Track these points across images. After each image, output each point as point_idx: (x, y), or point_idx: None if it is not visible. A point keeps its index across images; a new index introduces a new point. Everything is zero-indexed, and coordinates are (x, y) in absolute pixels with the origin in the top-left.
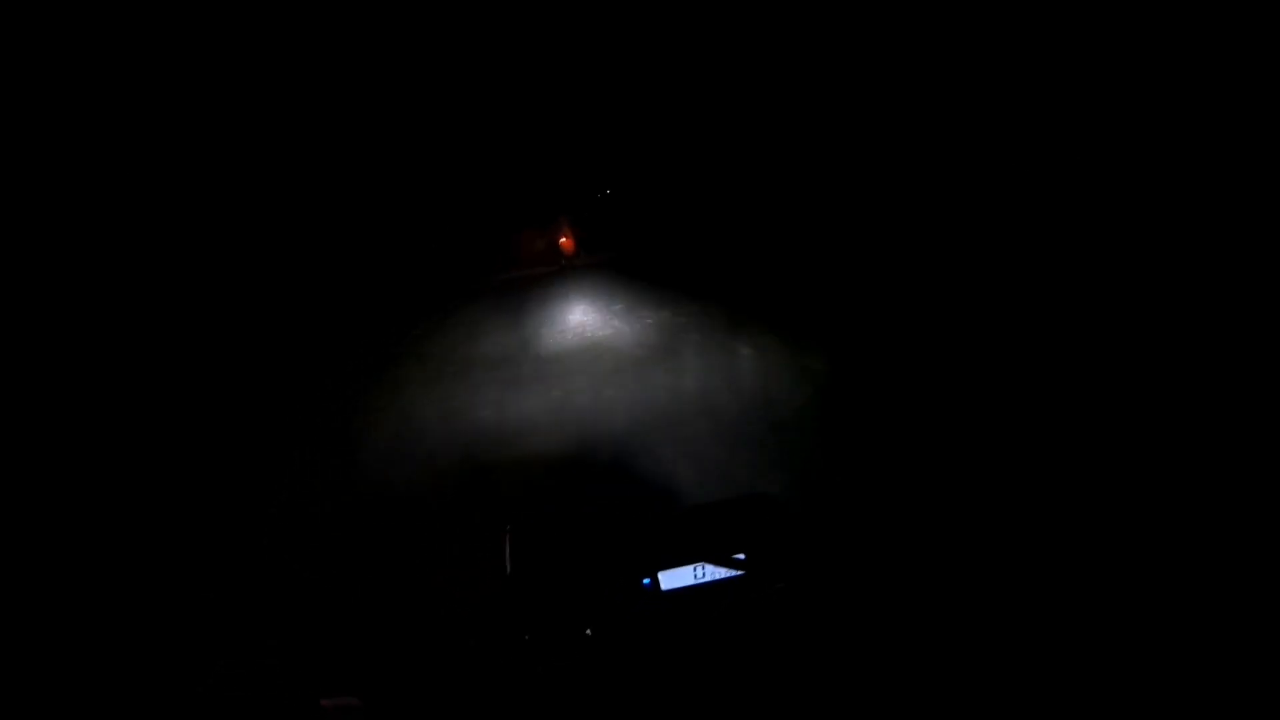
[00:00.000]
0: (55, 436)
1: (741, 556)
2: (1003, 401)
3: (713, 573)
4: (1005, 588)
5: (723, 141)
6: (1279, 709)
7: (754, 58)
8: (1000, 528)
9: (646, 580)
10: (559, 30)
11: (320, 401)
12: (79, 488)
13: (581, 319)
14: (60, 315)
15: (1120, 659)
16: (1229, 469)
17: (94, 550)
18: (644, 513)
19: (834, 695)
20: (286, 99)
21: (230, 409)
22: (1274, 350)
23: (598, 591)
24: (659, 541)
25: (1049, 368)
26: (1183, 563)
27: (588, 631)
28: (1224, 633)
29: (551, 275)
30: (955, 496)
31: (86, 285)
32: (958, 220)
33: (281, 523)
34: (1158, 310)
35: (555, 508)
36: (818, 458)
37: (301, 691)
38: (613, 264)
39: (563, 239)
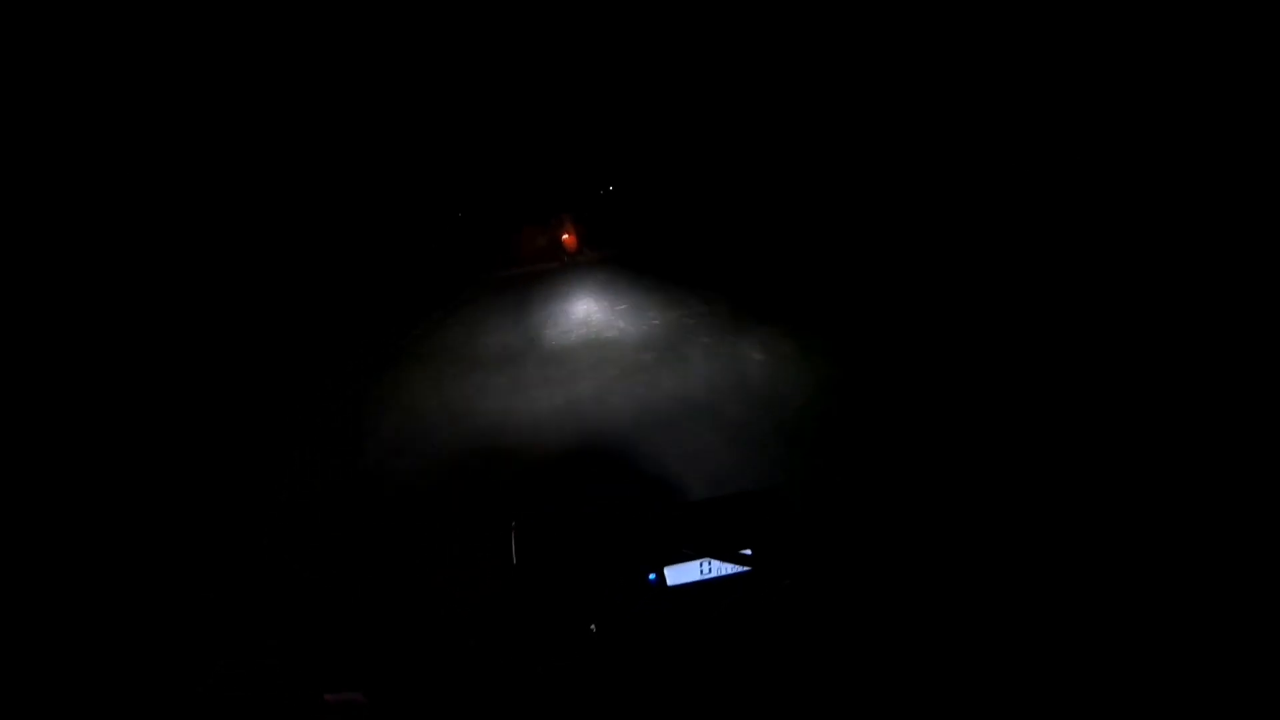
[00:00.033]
0: (55, 436)
1: (748, 552)
2: (1011, 401)
3: (719, 568)
4: (1014, 587)
5: (728, 137)
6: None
7: (760, 51)
8: (1008, 527)
9: (652, 576)
10: (559, 23)
11: (320, 401)
12: (79, 487)
13: (586, 316)
14: (59, 314)
15: (1123, 658)
16: (1232, 469)
17: (94, 550)
18: (650, 508)
19: (840, 692)
20: (284, 95)
21: (230, 408)
22: (1274, 350)
23: (603, 587)
24: (665, 537)
25: (1057, 367)
26: (1187, 562)
27: (592, 627)
28: (1224, 633)
29: (554, 272)
30: (963, 495)
31: (86, 284)
32: (968, 217)
33: (281, 523)
34: (1164, 310)
35: (560, 503)
36: (825, 456)
37: (305, 687)
38: (616, 260)
39: (565, 235)
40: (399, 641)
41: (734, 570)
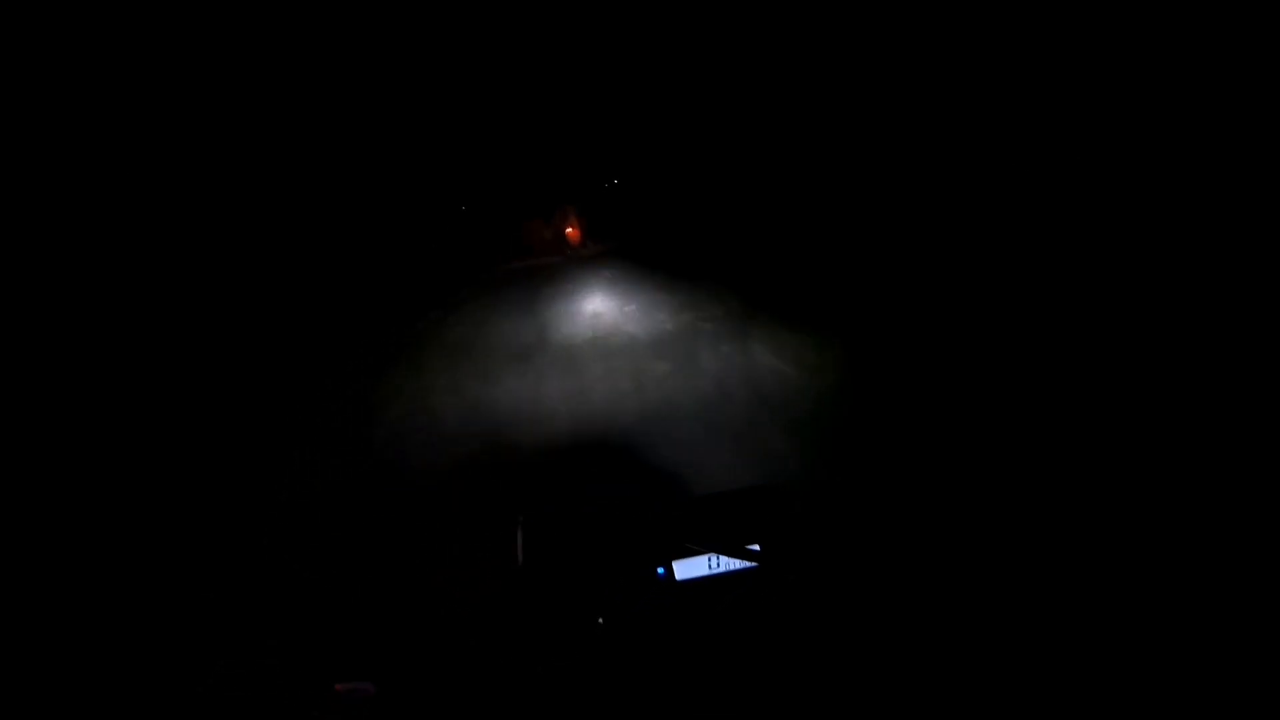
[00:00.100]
0: (54, 435)
1: (757, 547)
2: (1018, 400)
3: (727, 563)
4: (1019, 585)
5: (733, 128)
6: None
7: (764, 44)
8: (1014, 525)
9: (660, 570)
10: (562, 15)
11: (320, 400)
12: (79, 487)
13: (593, 319)
14: (60, 315)
15: (1123, 657)
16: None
17: (94, 550)
18: (657, 502)
19: (846, 687)
20: (283, 93)
21: (230, 408)
22: (1275, 350)
23: (611, 581)
24: (673, 531)
25: (1063, 367)
26: (1193, 562)
27: (600, 621)
28: (1224, 633)
29: (557, 266)
30: (969, 493)
31: (86, 284)
32: (979, 214)
33: (281, 523)
34: (1168, 309)
35: (568, 498)
36: (833, 452)
37: (315, 677)
38: (620, 253)
39: (569, 228)
40: (406, 634)
41: (742, 565)
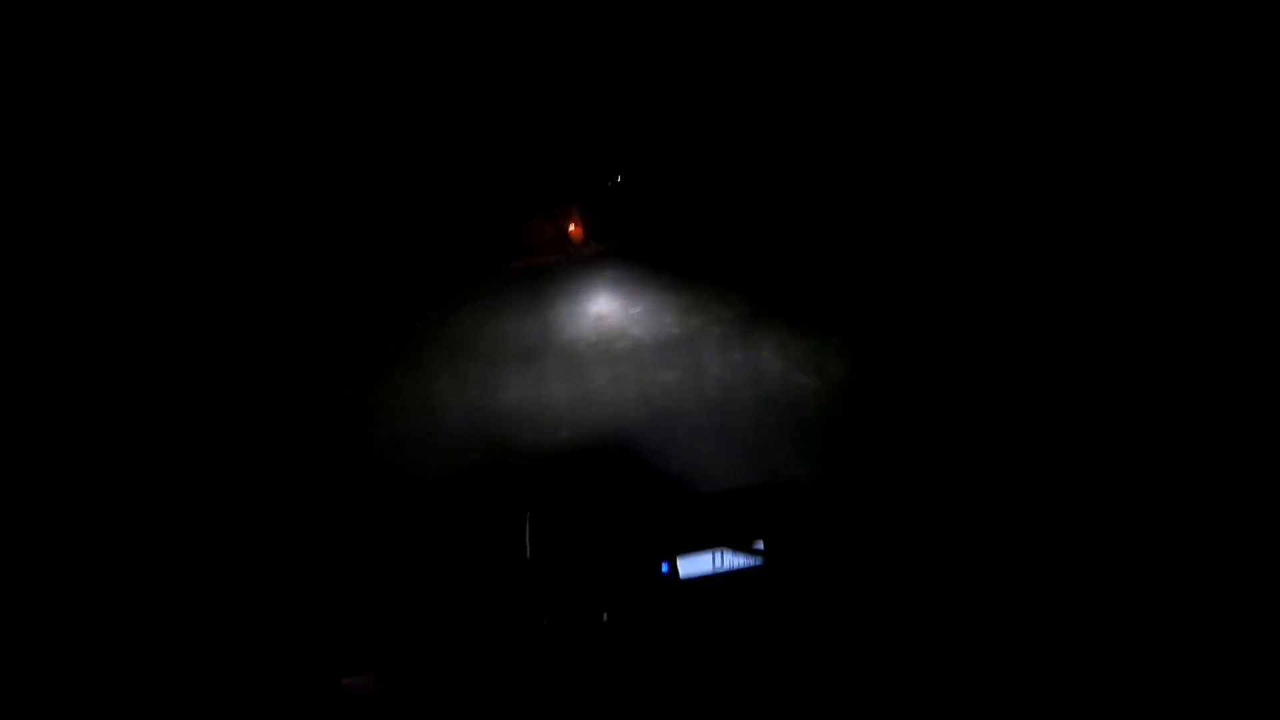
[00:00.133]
0: (56, 436)
1: (760, 545)
2: (1025, 400)
3: (731, 561)
4: (1020, 587)
5: (737, 127)
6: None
7: (766, 41)
8: (1017, 527)
9: (665, 567)
10: (566, 12)
11: (320, 400)
12: (80, 488)
13: (594, 309)
14: (60, 315)
15: (1130, 658)
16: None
17: (95, 550)
18: (663, 500)
19: (847, 686)
20: (282, 92)
21: (231, 409)
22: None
23: (616, 578)
24: (678, 528)
25: (1069, 367)
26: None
27: (605, 617)
28: (1224, 633)
29: (559, 263)
30: (973, 495)
31: (86, 285)
32: (986, 212)
33: (281, 523)
34: (1170, 308)
35: (574, 495)
36: (838, 453)
37: (318, 672)
38: (623, 252)
39: (571, 226)
40: (408, 631)
41: (746, 563)
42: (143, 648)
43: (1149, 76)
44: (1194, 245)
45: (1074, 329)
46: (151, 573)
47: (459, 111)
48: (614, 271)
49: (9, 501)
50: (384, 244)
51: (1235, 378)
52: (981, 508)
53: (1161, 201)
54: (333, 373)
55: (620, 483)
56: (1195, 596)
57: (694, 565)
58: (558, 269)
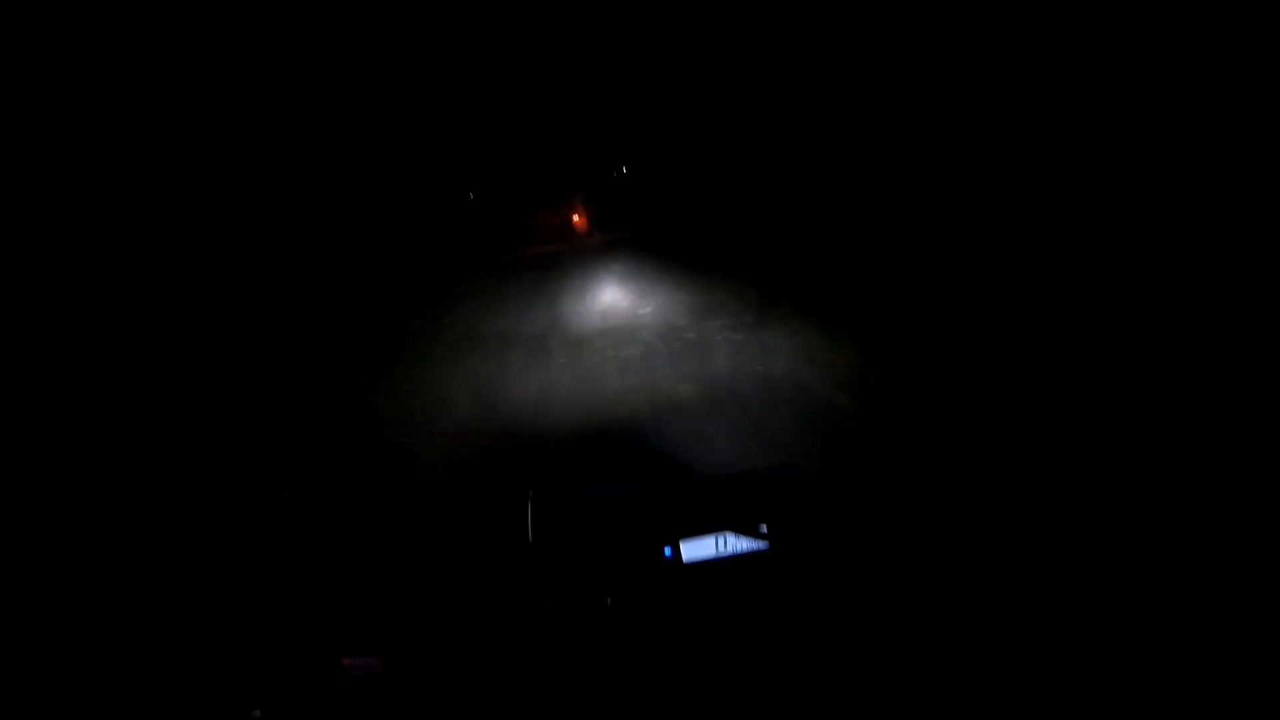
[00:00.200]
0: (57, 436)
1: (764, 529)
2: (1036, 393)
3: (735, 545)
4: (1025, 587)
5: (744, 118)
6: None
7: (769, 35)
8: (1024, 526)
9: (668, 550)
10: (572, 4)
11: (320, 400)
12: (80, 487)
13: (600, 309)
14: (60, 315)
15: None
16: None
17: (95, 550)
18: (667, 482)
19: (846, 677)
20: (283, 90)
21: (231, 408)
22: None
23: (619, 561)
24: (681, 511)
25: (1081, 361)
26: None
27: (608, 602)
28: (1225, 633)
29: (563, 255)
30: (980, 493)
31: (86, 285)
32: (997, 204)
33: (281, 523)
34: (1182, 307)
35: (577, 478)
36: (845, 442)
37: (325, 652)
38: (629, 243)
39: (576, 217)
40: (408, 625)
41: (750, 547)
42: (143, 648)
43: (1166, 66)
44: (1211, 236)
45: (1086, 323)
46: (151, 573)
47: (464, 103)
48: (621, 266)
49: (10, 501)
50: (386, 238)
51: (1246, 376)
52: (989, 500)
53: (1176, 192)
54: (333, 372)
55: (624, 469)
56: (1199, 595)
57: (697, 549)
58: (563, 261)
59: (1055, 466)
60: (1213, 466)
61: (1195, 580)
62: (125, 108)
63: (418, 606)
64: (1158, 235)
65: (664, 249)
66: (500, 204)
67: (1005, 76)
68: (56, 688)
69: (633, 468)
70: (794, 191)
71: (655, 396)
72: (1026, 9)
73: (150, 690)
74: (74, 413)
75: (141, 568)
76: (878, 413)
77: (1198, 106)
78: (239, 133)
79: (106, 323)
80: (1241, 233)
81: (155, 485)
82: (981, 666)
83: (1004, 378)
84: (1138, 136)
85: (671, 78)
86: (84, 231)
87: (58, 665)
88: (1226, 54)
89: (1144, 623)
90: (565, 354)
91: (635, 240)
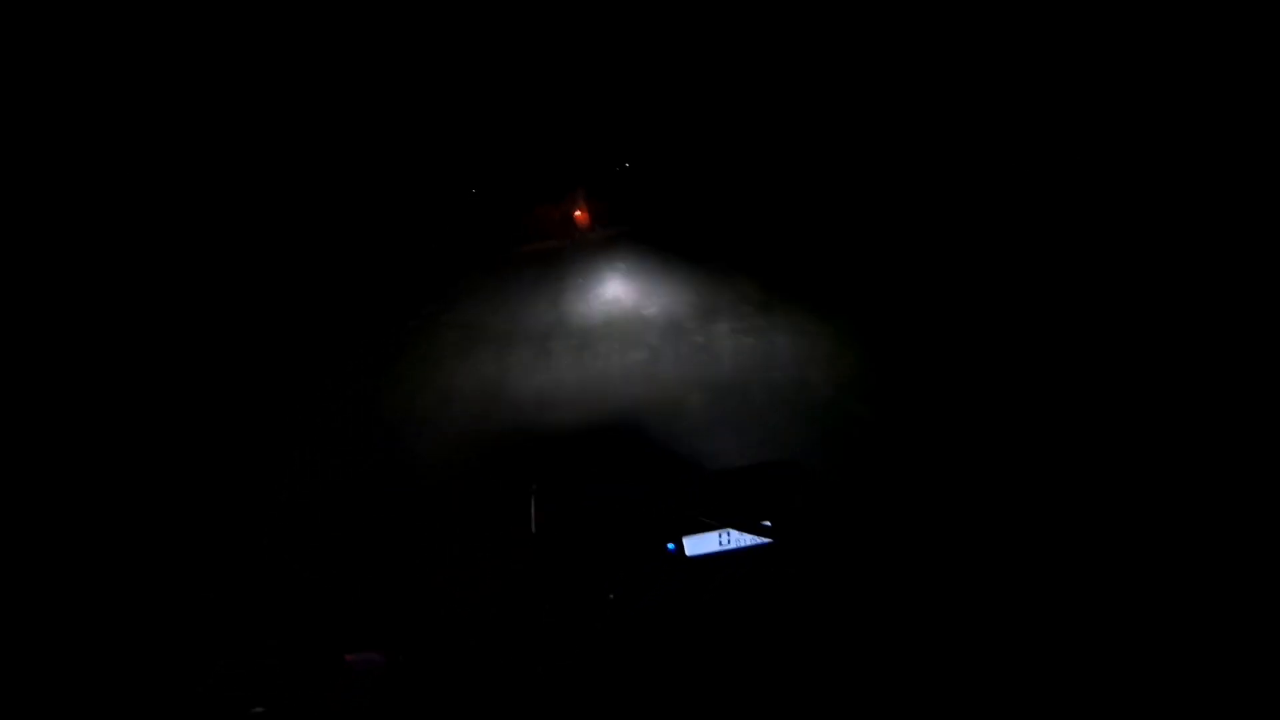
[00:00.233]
0: (56, 436)
1: (768, 523)
2: (1041, 391)
3: (738, 539)
4: (1030, 584)
5: (748, 112)
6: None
7: (774, 28)
8: (1028, 524)
9: (671, 545)
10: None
11: (320, 400)
12: (80, 487)
13: (603, 311)
14: (60, 314)
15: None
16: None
17: (95, 550)
18: (670, 477)
19: (849, 675)
20: (286, 84)
21: (231, 408)
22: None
23: (622, 555)
24: (685, 506)
25: (1088, 360)
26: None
27: (610, 597)
28: (1225, 633)
29: (565, 250)
30: (985, 484)
31: (86, 284)
32: (1004, 199)
33: (281, 523)
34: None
35: (580, 473)
36: (849, 439)
37: (326, 647)
38: (633, 237)
39: (577, 212)
40: (416, 609)
41: (753, 542)
42: (143, 648)
43: (1167, 65)
44: (1215, 234)
45: (1094, 321)
46: (152, 573)
47: (463, 96)
48: (625, 264)
49: (9, 501)
50: (383, 235)
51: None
52: (993, 497)
53: (1183, 191)
54: (333, 372)
55: (626, 467)
56: (1197, 600)
57: (700, 544)
58: (565, 257)
59: (1061, 465)
60: (1224, 466)
61: (1204, 580)
62: (121, 105)
63: (417, 607)
64: (1170, 237)
65: (667, 244)
66: (500, 198)
67: (1017, 71)
68: (57, 688)
69: (634, 465)
70: (799, 186)
71: (661, 406)
72: (1030, 8)
73: (150, 690)
74: (73, 412)
75: (141, 567)
76: (884, 411)
77: (1199, 105)
78: (236, 130)
79: (105, 322)
80: (1246, 231)
81: (155, 485)
82: (986, 664)
83: (1011, 376)
84: (1147, 135)
85: (674, 72)
86: (81, 231)
87: (58, 665)
88: (1226, 54)
89: (1149, 623)
90: (567, 355)
91: (638, 235)
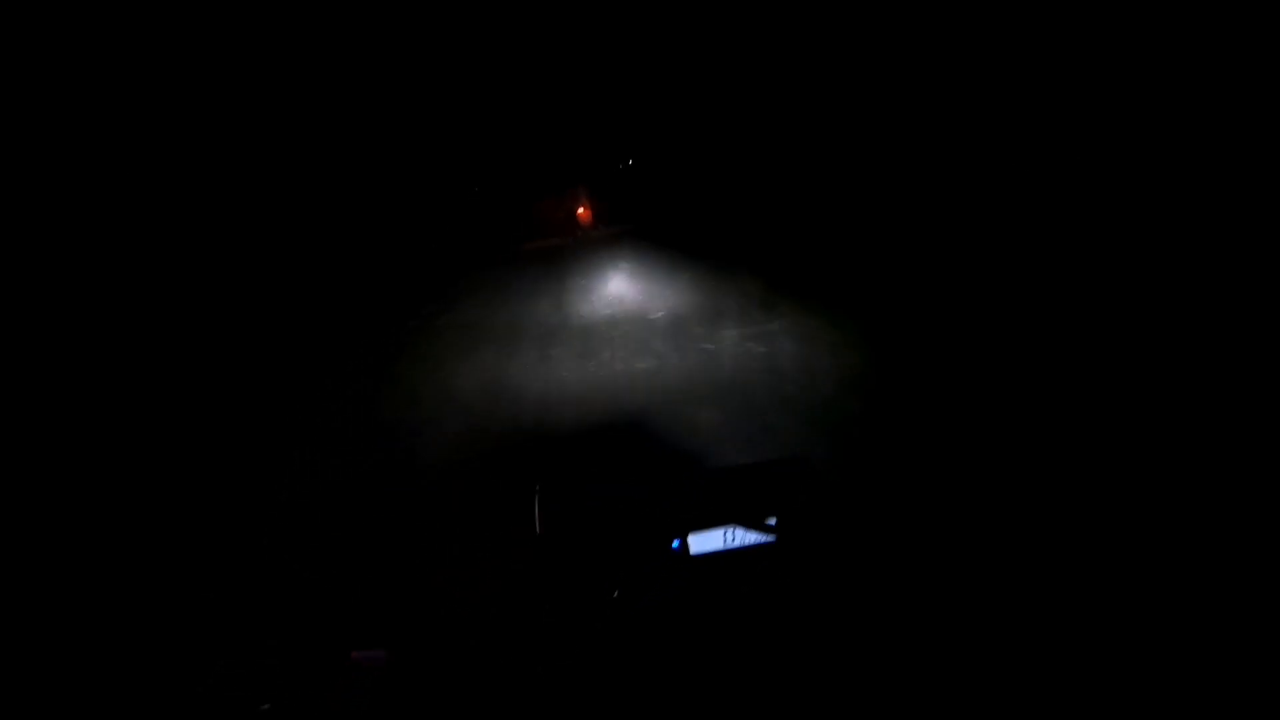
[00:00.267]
0: (56, 435)
1: (773, 521)
2: (1046, 386)
3: (743, 538)
4: (1036, 580)
5: (752, 107)
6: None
7: (778, 25)
8: (1033, 520)
9: (676, 543)
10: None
11: (320, 400)
12: (80, 487)
13: (607, 312)
14: (60, 314)
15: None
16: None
17: (95, 550)
18: (674, 475)
19: (852, 674)
20: (281, 86)
21: (231, 408)
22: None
23: (626, 554)
24: (689, 504)
25: (1093, 354)
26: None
27: (615, 595)
28: (1226, 633)
29: (566, 251)
30: (990, 487)
31: (85, 284)
32: (1009, 193)
33: (281, 523)
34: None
35: (585, 471)
36: (853, 436)
37: (332, 645)
38: (636, 234)
39: (579, 209)
40: (413, 614)
41: (758, 540)
42: (143, 648)
43: (1170, 63)
44: (1218, 232)
45: (1100, 316)
46: (152, 573)
47: (468, 94)
48: (628, 264)
49: (8, 501)
50: (383, 233)
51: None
52: (997, 494)
53: (1190, 190)
54: (333, 372)
55: (631, 463)
56: (1199, 600)
57: (705, 542)
58: (566, 256)
59: (1065, 462)
60: (1227, 464)
61: (1212, 579)
62: (119, 104)
63: (417, 607)
64: (1170, 235)
65: (670, 242)
66: (502, 196)
67: (1023, 69)
68: (57, 688)
69: (638, 465)
70: (802, 183)
71: (665, 405)
72: (1035, 5)
73: (150, 690)
74: (73, 412)
75: (142, 567)
76: (888, 409)
77: (1200, 104)
78: (233, 127)
79: (104, 322)
80: (1246, 230)
81: (155, 485)
82: (992, 661)
83: (1015, 374)
84: (1147, 133)
85: (677, 68)
86: (80, 231)
87: (58, 665)
88: (1227, 54)
89: (1150, 620)
90: (569, 354)
91: (641, 233)
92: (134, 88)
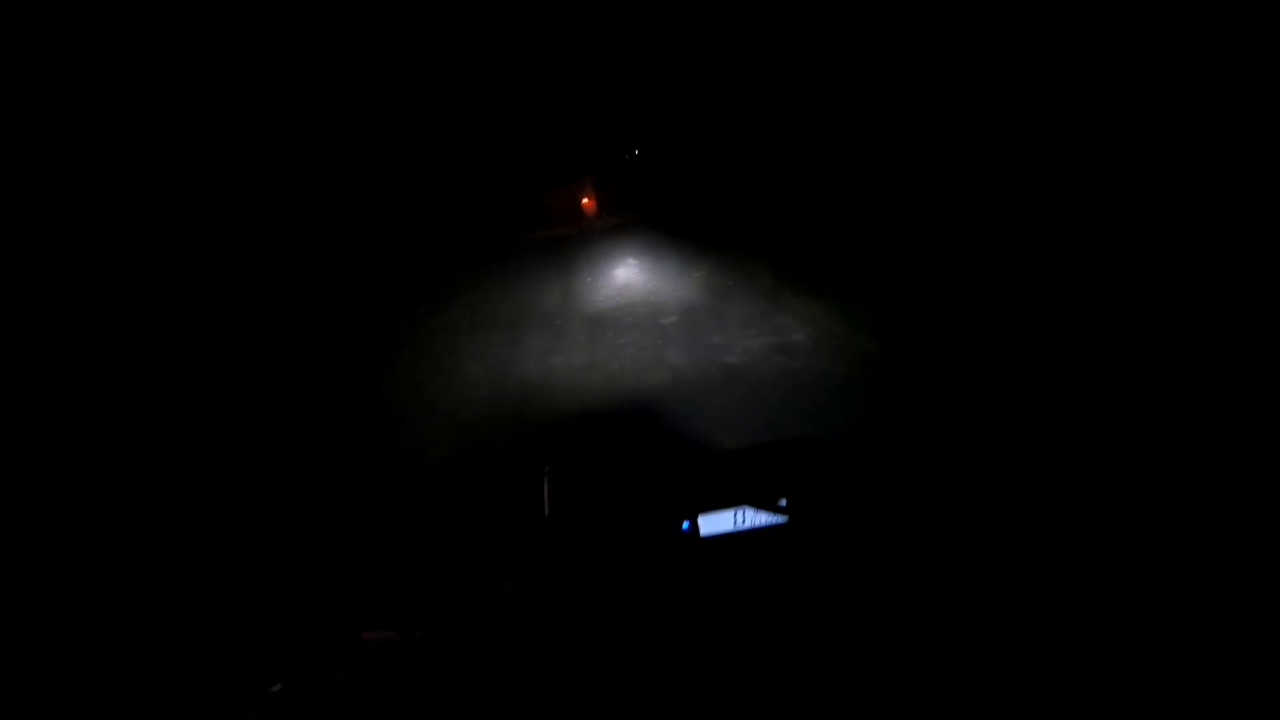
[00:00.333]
0: (56, 435)
1: (783, 502)
2: (1057, 372)
3: (753, 519)
4: (1049, 567)
5: (760, 98)
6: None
7: (784, 17)
8: (1046, 505)
9: (686, 525)
10: None
11: (320, 400)
12: (80, 487)
13: (610, 279)
14: (60, 314)
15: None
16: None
17: (95, 550)
18: (684, 455)
19: (861, 663)
20: (282, 85)
21: (231, 408)
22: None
23: (635, 535)
24: (699, 484)
25: (1106, 340)
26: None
27: (614, 593)
28: (1226, 633)
29: (572, 243)
30: (1003, 471)
31: (86, 284)
32: (1020, 179)
33: (281, 523)
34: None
35: (594, 451)
36: (864, 419)
37: (345, 625)
38: (639, 225)
39: (585, 200)
40: (413, 614)
41: (769, 521)
42: (143, 648)
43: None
44: (1224, 230)
45: (1109, 306)
46: (152, 573)
47: (475, 86)
48: (636, 259)
49: (8, 500)
50: (385, 227)
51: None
52: (1006, 477)
53: (1189, 185)
54: (333, 372)
55: (641, 444)
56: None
57: (715, 523)
58: (572, 249)
59: (1073, 453)
60: (1239, 464)
61: (1221, 578)
62: (121, 105)
63: (416, 606)
64: (1170, 232)
65: (676, 231)
66: (506, 186)
67: (1030, 63)
68: (57, 688)
69: (646, 452)
70: (808, 172)
71: (672, 391)
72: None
73: (150, 690)
74: (73, 412)
75: (141, 567)
76: (898, 394)
77: (1199, 103)
78: (232, 125)
79: (103, 322)
80: (1247, 228)
81: (155, 485)
82: (1001, 649)
83: (1025, 362)
84: (1148, 131)
85: (683, 60)
86: (82, 231)
87: (58, 665)
88: (1227, 54)
89: (1152, 618)
90: (576, 343)
91: (649, 223)
92: (134, 88)
